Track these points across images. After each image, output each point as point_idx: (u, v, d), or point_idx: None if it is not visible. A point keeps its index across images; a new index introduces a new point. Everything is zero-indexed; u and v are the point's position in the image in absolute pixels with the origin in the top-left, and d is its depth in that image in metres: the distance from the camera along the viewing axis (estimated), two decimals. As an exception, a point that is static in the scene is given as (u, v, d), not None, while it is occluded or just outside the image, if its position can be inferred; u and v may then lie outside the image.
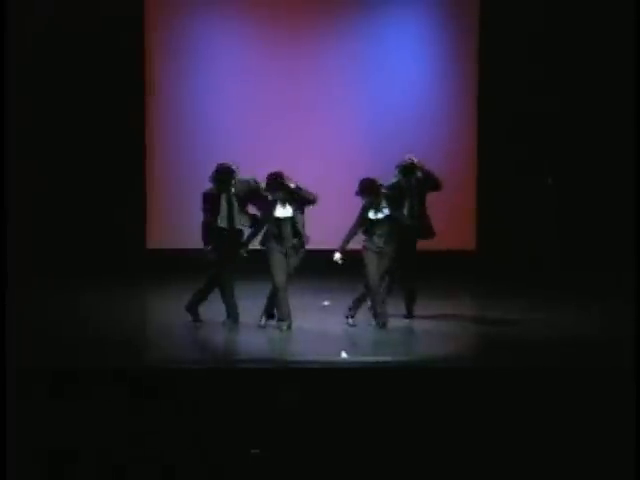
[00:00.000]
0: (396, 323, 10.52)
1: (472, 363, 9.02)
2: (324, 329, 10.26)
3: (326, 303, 11.57)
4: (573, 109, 14.55)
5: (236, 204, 10.38)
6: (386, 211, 10.28)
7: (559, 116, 14.63)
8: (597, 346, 9.40)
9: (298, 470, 6.99)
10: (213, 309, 10.69)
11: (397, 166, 10.85)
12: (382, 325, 10.25)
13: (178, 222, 14.51)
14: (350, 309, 10.51)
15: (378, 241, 10.26)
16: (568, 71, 14.59)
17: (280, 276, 10.13)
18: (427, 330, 10.38)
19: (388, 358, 8.80)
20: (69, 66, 14.33)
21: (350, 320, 10.44)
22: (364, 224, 10.32)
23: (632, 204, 11.16)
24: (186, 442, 7.16)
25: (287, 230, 10.16)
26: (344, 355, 8.91)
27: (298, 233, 10.21)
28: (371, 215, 10.28)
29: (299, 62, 14.86)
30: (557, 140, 14.65)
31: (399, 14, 14.97)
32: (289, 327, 10.16)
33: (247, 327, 10.33)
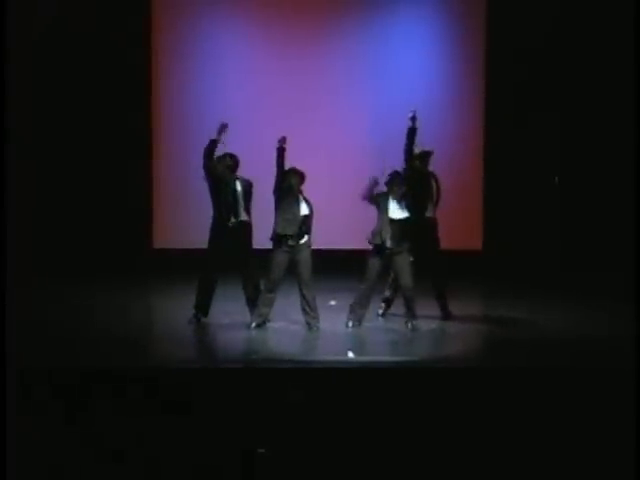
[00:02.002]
0: (400, 323, 10.55)
1: (475, 363, 9.01)
2: (330, 329, 10.25)
3: (332, 303, 11.58)
4: (579, 110, 14.56)
5: (241, 194, 10.39)
6: (406, 212, 10.20)
7: (565, 117, 14.64)
8: (597, 346, 9.39)
9: (303, 469, 7.00)
10: (215, 309, 10.72)
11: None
12: (357, 324, 10.31)
13: (184, 222, 14.55)
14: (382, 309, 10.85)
15: (391, 243, 10.13)
16: (574, 72, 14.60)
17: (276, 274, 10.11)
18: (432, 330, 10.38)
19: (393, 358, 8.82)
20: (74, 66, 14.39)
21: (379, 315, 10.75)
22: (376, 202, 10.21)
23: (633, 205, 11.17)
24: (190, 442, 7.17)
25: (295, 228, 10.08)
26: (350, 355, 8.91)
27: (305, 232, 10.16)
28: (392, 214, 10.19)
29: (304, 63, 14.90)
30: (562, 141, 14.66)
31: (405, 14, 15.00)
32: (258, 326, 10.19)
33: (253, 326, 10.37)
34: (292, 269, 10.20)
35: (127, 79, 14.61)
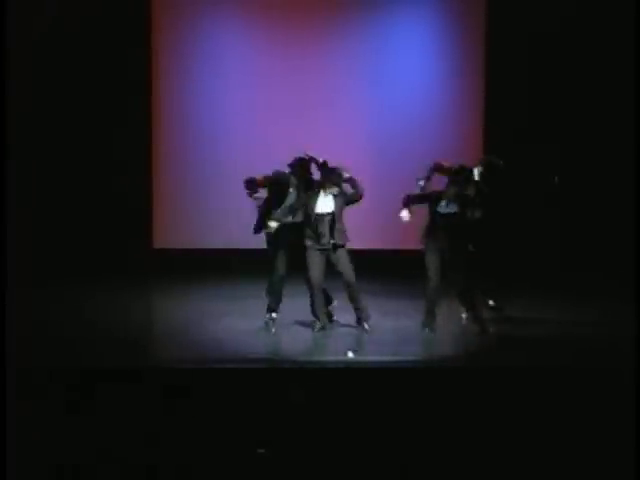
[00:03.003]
0: (400, 323, 10.55)
1: (475, 363, 9.04)
2: (330, 329, 10.25)
3: (334, 303, 11.58)
4: (579, 110, 14.55)
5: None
6: (454, 206, 10.09)
7: (565, 116, 14.63)
8: (597, 346, 9.42)
9: (304, 470, 6.99)
10: (215, 309, 10.73)
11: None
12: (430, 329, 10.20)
13: (184, 222, 14.57)
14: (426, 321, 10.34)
15: (443, 239, 10.05)
16: (575, 71, 14.59)
17: (316, 276, 10.07)
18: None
19: (393, 358, 8.83)
20: (74, 66, 14.36)
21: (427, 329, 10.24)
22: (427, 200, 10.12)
23: (632, 205, 11.18)
24: (191, 442, 7.17)
25: (325, 227, 10.04)
26: (350, 355, 8.91)
27: (338, 230, 10.07)
28: (440, 209, 10.07)
29: (304, 62, 14.87)
30: (562, 141, 14.65)
31: (405, 14, 14.99)
32: (323, 328, 10.15)
33: (252, 326, 10.39)
34: (330, 268, 10.16)
35: (127, 79, 14.59)
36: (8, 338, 7.00)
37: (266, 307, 10.39)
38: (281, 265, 10.25)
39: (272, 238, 10.25)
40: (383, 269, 13.56)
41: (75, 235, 14.34)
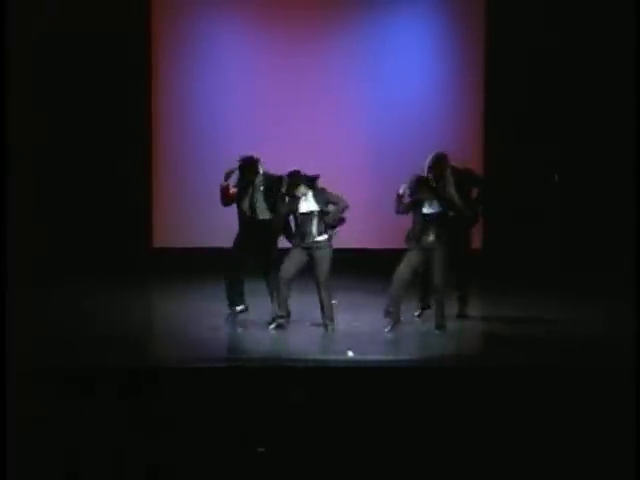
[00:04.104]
0: (399, 323, 10.56)
1: (474, 362, 9.04)
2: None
3: (333, 302, 11.59)
4: (579, 109, 14.56)
5: (259, 194, 10.38)
6: (437, 206, 10.05)
7: (565, 116, 14.64)
8: (597, 346, 9.42)
9: (304, 469, 7.00)
10: (214, 309, 10.73)
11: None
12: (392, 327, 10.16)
13: (184, 221, 14.58)
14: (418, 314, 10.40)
15: (426, 240, 10.03)
16: (575, 70, 14.59)
17: (286, 268, 9.98)
18: (431, 329, 10.40)
19: (393, 358, 8.83)
20: (74, 66, 14.38)
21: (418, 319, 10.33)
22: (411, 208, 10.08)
23: (633, 205, 11.18)
24: (191, 442, 7.17)
25: (309, 226, 9.97)
26: (350, 354, 8.92)
27: (325, 230, 10.02)
28: (425, 209, 10.04)
29: (303, 61, 14.88)
30: (562, 140, 14.66)
31: (404, 13, 14.99)
32: (280, 325, 10.10)
33: (252, 325, 10.38)
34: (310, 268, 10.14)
35: (127, 79, 14.60)
36: (8, 338, 7.00)
37: (229, 302, 10.55)
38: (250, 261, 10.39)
39: (244, 235, 10.40)
40: (382, 269, 13.52)
41: (75, 234, 14.36)
